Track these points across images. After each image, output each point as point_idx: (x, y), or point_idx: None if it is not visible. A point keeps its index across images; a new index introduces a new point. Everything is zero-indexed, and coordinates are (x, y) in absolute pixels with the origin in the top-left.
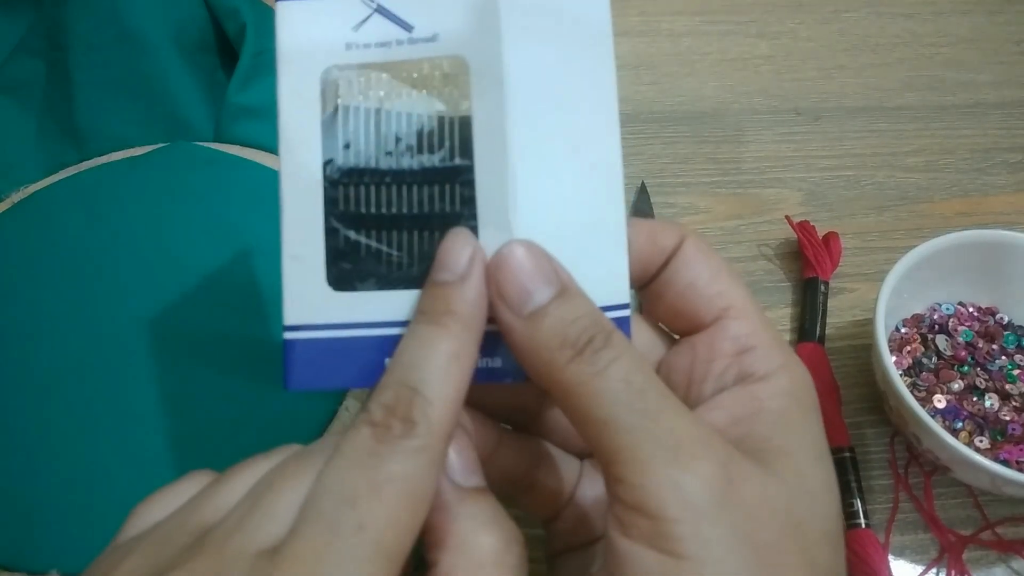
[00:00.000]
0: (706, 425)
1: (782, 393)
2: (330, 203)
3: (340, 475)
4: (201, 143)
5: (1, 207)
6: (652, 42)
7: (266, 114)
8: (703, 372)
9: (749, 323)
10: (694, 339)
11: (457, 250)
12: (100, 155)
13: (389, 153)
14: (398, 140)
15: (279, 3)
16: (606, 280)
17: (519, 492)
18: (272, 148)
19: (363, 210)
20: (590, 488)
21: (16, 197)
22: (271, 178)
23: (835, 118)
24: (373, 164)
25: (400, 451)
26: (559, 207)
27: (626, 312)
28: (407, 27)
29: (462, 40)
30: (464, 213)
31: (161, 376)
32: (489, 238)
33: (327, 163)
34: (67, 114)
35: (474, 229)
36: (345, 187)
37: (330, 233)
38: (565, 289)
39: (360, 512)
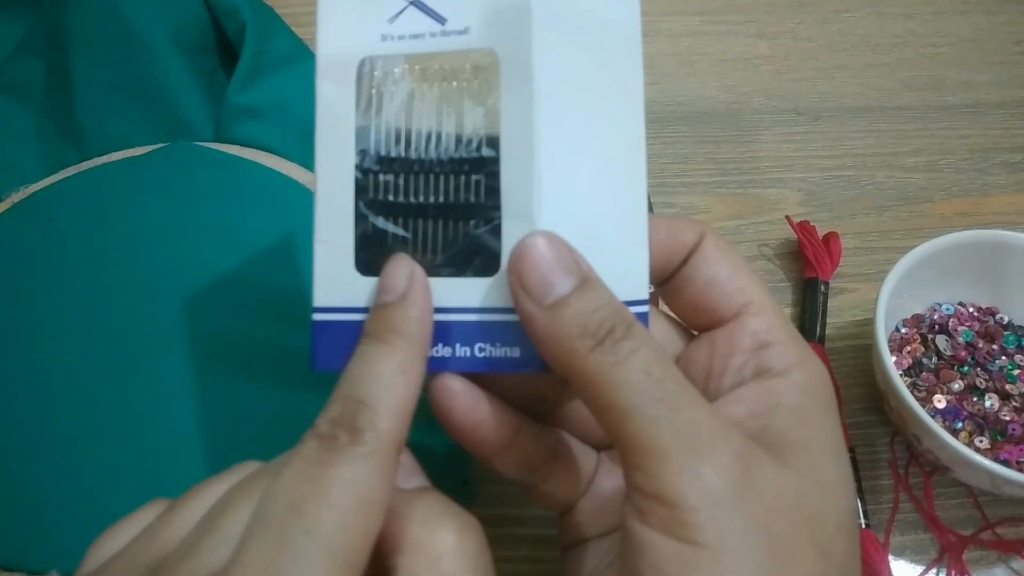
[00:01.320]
0: (724, 417)
1: (799, 389)
2: (360, 190)
3: (286, 485)
4: (201, 143)
5: (1, 207)
6: (652, 42)
7: (266, 114)
8: (721, 367)
9: (767, 319)
10: (713, 334)
11: (395, 273)
12: (100, 155)
13: (419, 143)
14: (428, 130)
15: None
16: (626, 275)
17: (537, 481)
18: (272, 148)
19: (392, 198)
20: (607, 479)
21: (16, 197)
22: (272, 178)
23: (835, 118)
24: (403, 154)
25: (347, 457)
26: (582, 201)
27: (644, 308)
28: (440, 20)
29: (493, 34)
30: (488, 204)
31: (161, 376)
32: (512, 229)
33: (361, 152)
34: (67, 114)
35: (498, 220)
36: (375, 175)
37: (359, 219)
38: (586, 280)
39: (307, 519)
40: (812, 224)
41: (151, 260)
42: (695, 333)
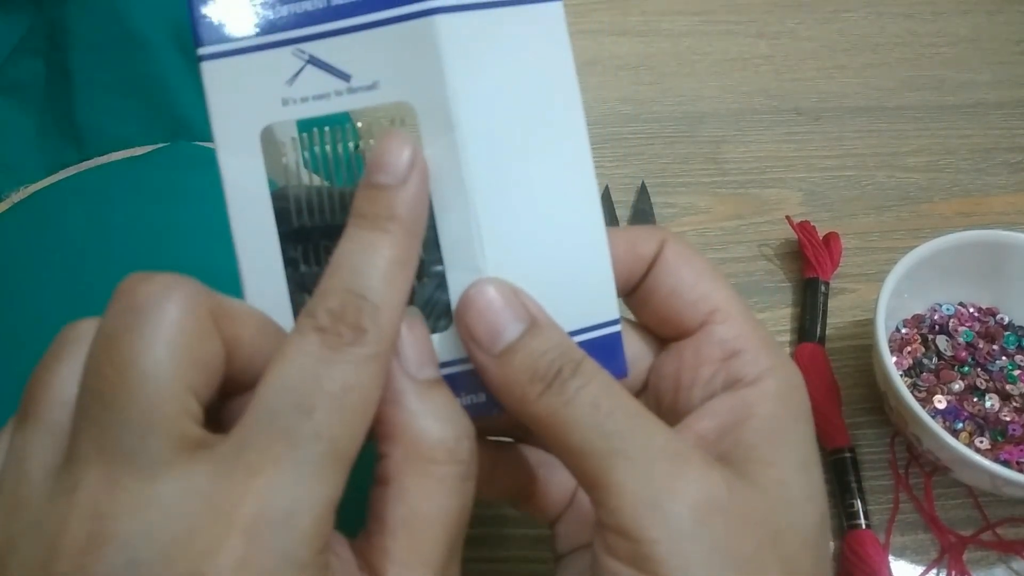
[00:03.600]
0: (683, 439)
1: (771, 397)
2: (289, 264)
3: (292, 382)
4: (202, 143)
5: (1, 207)
6: (652, 42)
7: None
8: (691, 378)
9: (735, 326)
10: (681, 345)
11: (395, 150)
12: (100, 155)
13: (344, 208)
14: (351, 192)
15: (203, 63)
16: (593, 299)
17: (520, 500)
18: None
19: (321, 267)
20: None
21: (16, 197)
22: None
23: (835, 118)
24: (328, 221)
25: (352, 359)
26: (530, 238)
27: (616, 328)
28: (344, 76)
29: (405, 86)
30: (431, 259)
31: None
32: (459, 280)
33: (282, 225)
34: (67, 114)
35: (442, 274)
36: (303, 245)
37: (294, 300)
38: (535, 323)
39: (316, 422)
40: (812, 224)
41: (151, 260)
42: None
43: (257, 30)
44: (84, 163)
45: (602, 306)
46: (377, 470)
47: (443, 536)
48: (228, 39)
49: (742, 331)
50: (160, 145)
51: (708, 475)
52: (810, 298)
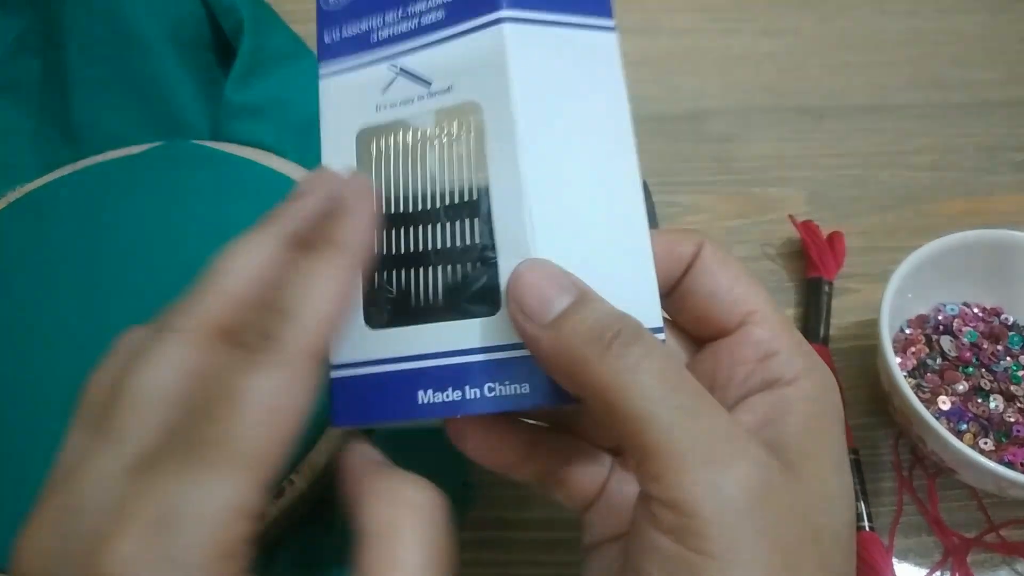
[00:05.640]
0: (742, 426)
1: (808, 397)
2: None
3: (200, 388)
4: (198, 141)
5: None
6: (654, 40)
7: (264, 112)
8: (727, 378)
9: (771, 328)
10: (717, 345)
11: (330, 178)
12: (96, 154)
13: (418, 196)
14: (425, 183)
15: (321, 81)
16: (636, 304)
17: (553, 486)
18: (269, 146)
19: (394, 251)
20: (620, 484)
21: (12, 196)
22: (269, 176)
23: (839, 116)
24: (402, 208)
25: (261, 365)
26: (579, 236)
27: (662, 336)
28: (426, 83)
29: (475, 85)
30: (485, 245)
31: None
32: (510, 265)
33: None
34: (63, 112)
35: (495, 259)
36: (377, 233)
37: (365, 276)
38: (584, 295)
39: (217, 426)
40: (816, 224)
41: (147, 259)
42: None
43: (364, 51)
44: (80, 162)
45: (647, 314)
46: None
47: None
48: (342, 61)
49: (778, 333)
50: (156, 143)
51: (765, 462)
52: (814, 298)
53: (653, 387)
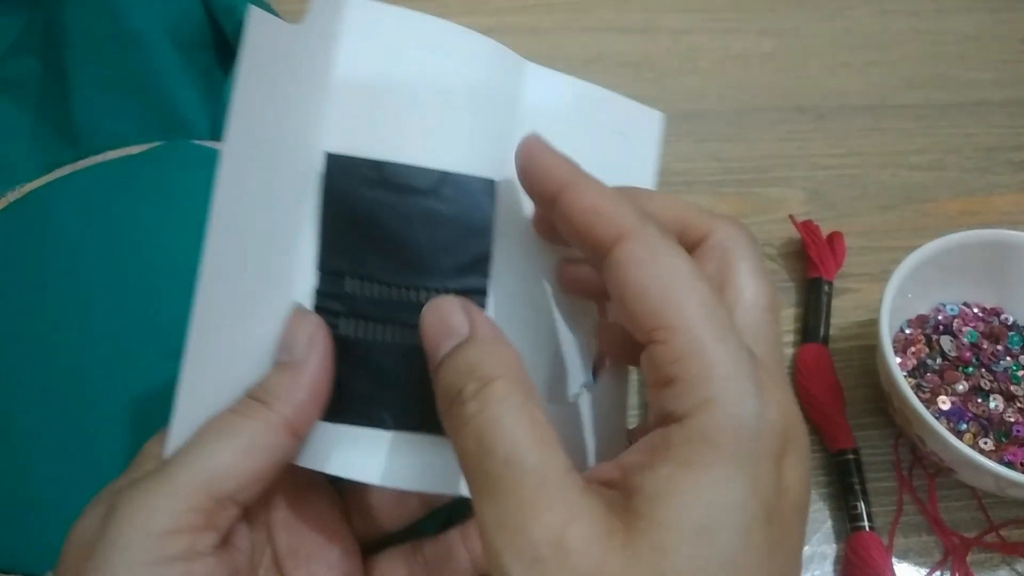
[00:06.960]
0: (578, 482)
1: (689, 441)
2: None
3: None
4: (198, 141)
5: None
6: (654, 39)
7: None
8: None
9: (675, 347)
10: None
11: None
12: (96, 154)
13: None
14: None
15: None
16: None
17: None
18: None
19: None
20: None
21: (11, 196)
22: None
23: (839, 116)
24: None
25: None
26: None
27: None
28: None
29: None
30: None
31: (159, 377)
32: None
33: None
34: (63, 112)
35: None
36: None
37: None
38: (469, 337)
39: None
40: (816, 223)
41: (148, 259)
42: None
43: None
44: (80, 162)
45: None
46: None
47: None
48: None
49: (683, 353)
50: (156, 144)
51: (576, 519)
52: (813, 298)
53: (470, 451)
